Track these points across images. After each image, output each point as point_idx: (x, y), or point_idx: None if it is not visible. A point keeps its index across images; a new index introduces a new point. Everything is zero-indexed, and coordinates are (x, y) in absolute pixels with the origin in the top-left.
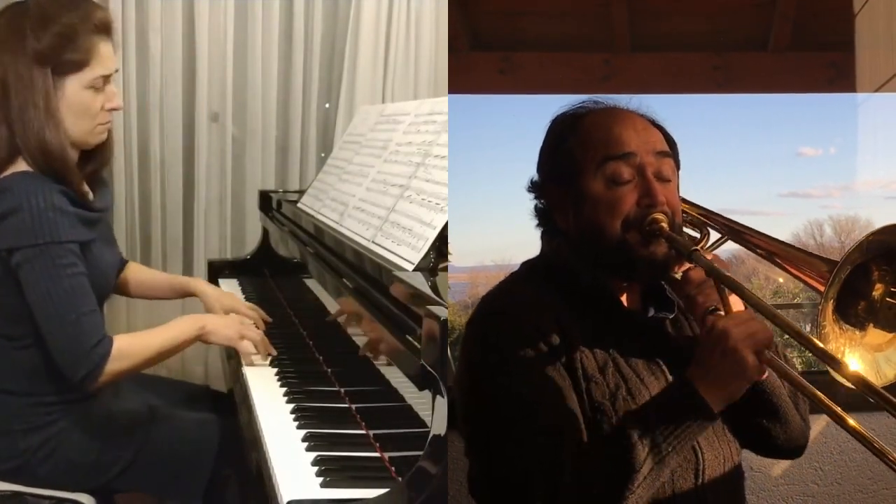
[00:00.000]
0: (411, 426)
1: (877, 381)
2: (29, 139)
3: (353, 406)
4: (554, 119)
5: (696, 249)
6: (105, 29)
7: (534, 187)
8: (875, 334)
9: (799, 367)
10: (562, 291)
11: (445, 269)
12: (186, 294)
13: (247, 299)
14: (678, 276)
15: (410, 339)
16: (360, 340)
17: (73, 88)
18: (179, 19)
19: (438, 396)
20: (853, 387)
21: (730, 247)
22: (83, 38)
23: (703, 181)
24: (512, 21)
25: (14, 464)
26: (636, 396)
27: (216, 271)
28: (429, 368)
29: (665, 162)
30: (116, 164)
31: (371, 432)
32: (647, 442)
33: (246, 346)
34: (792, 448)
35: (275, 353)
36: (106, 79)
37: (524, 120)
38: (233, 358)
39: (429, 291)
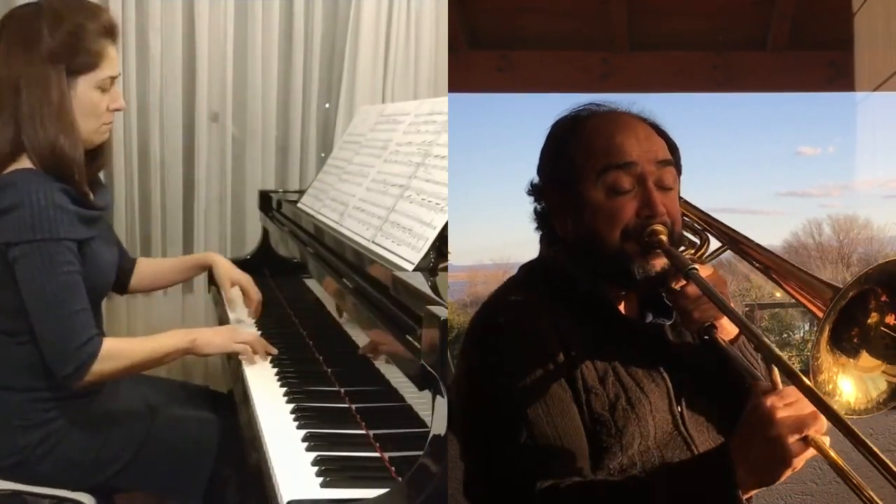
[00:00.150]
0: (411, 426)
1: (865, 402)
2: (39, 137)
3: (353, 406)
4: (556, 122)
5: (695, 269)
6: (112, 32)
7: (534, 190)
8: (866, 359)
9: (798, 367)
10: (560, 297)
11: (445, 268)
12: (202, 268)
13: None
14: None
15: (410, 339)
16: (360, 339)
17: (84, 88)
18: (179, 19)
19: (438, 396)
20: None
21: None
22: (94, 40)
23: (702, 180)
24: (511, 19)
25: (13, 460)
26: (636, 406)
27: None
28: (429, 368)
29: (667, 171)
30: (116, 164)
31: (371, 432)
32: None
33: (241, 349)
34: None
35: (275, 351)
36: (112, 80)
37: (523, 118)
38: (233, 358)
39: (429, 291)
